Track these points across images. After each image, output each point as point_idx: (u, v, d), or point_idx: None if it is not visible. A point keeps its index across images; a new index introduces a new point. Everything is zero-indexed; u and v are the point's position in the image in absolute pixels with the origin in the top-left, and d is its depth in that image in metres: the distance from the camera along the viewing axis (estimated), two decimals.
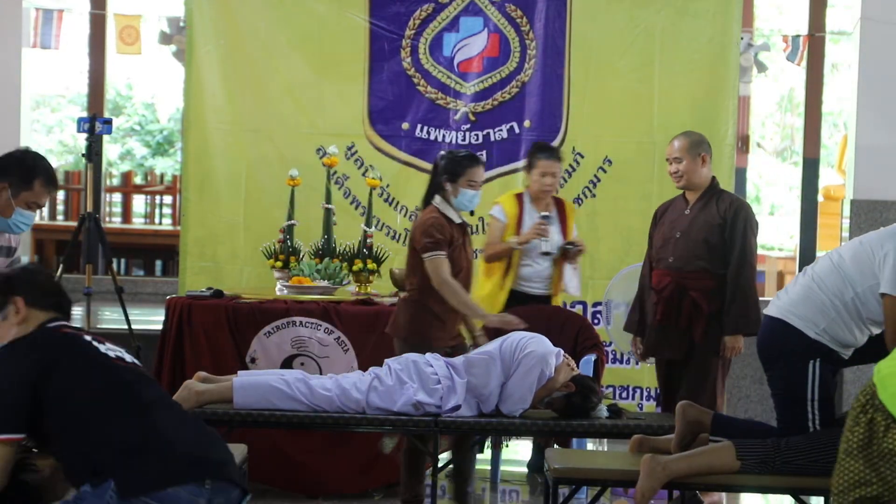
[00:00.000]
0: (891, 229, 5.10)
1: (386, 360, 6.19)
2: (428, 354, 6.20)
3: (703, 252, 6.61)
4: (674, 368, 6.71)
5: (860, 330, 5.11)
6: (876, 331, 5.10)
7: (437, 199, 6.42)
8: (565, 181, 8.17)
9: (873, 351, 5.05)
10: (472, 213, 6.62)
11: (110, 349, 4.04)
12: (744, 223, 6.59)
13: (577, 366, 6.98)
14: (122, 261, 13.88)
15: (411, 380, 6.06)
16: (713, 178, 6.76)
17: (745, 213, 6.64)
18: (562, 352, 6.26)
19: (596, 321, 8.07)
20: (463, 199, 6.41)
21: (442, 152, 6.60)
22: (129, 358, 4.09)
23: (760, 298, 6.70)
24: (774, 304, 5.29)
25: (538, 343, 6.17)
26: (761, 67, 10.11)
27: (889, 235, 5.05)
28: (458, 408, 6.05)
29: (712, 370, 6.61)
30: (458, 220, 6.44)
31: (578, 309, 8.12)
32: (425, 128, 8.25)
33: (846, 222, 8.91)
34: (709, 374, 6.60)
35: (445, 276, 6.27)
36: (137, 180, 16.01)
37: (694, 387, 6.56)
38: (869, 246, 5.08)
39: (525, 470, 7.83)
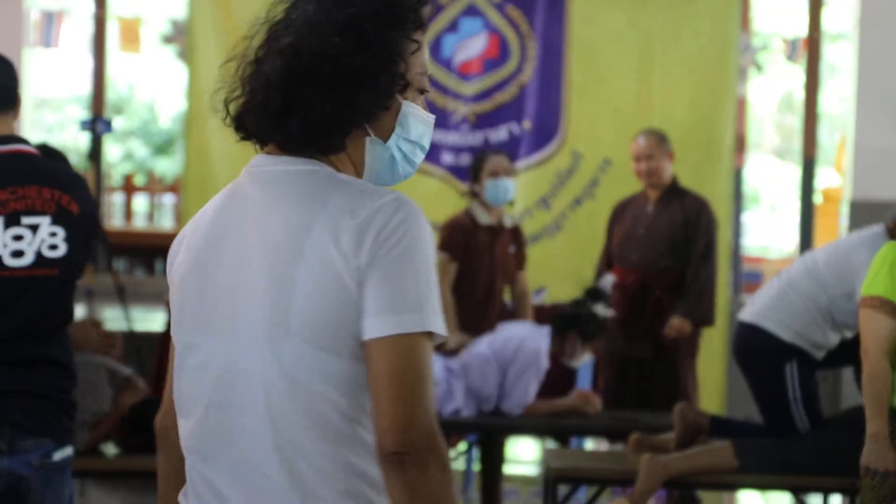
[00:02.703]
0: (866, 236, 5.06)
1: None
2: None
3: (668, 250, 6.65)
4: (629, 366, 6.69)
5: (833, 333, 5.12)
6: (849, 335, 5.11)
7: (473, 203, 6.52)
8: (565, 182, 8.20)
9: (847, 354, 5.08)
10: (511, 204, 6.77)
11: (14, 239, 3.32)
12: (707, 221, 6.67)
13: (577, 366, 7.01)
14: (123, 261, 13.90)
15: None
16: (674, 175, 6.81)
17: (708, 211, 6.72)
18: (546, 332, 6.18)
19: None
20: (492, 192, 6.50)
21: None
22: (50, 252, 3.34)
23: None
24: (747, 309, 5.32)
25: (531, 335, 6.16)
26: (760, 69, 10.13)
27: (863, 242, 5.01)
28: (457, 411, 6.07)
29: (682, 369, 6.63)
30: (486, 222, 6.48)
31: None
32: None
33: (844, 223, 8.94)
34: (679, 373, 6.63)
35: (443, 281, 6.32)
36: (138, 181, 16.04)
37: (665, 386, 6.59)
38: (845, 251, 5.07)
39: (525, 470, 7.85)
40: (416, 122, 2.09)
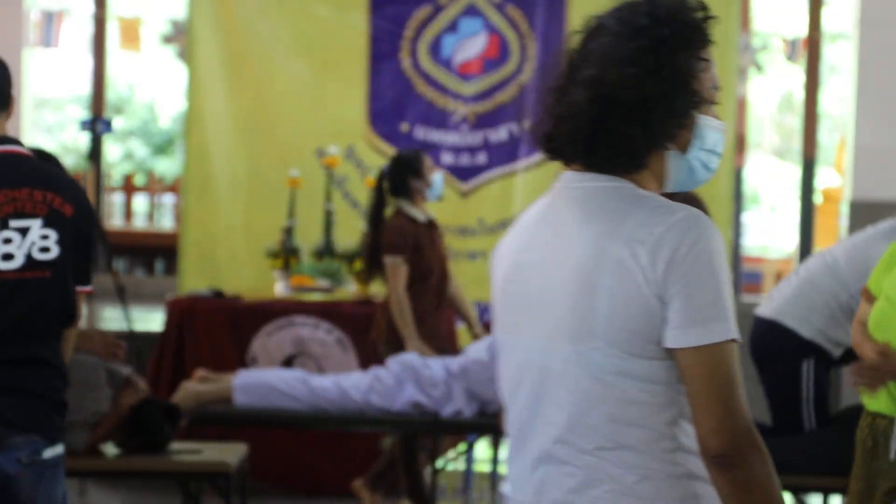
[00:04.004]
0: (883, 229, 5.07)
1: (388, 360, 6.22)
2: (427, 357, 6.22)
3: None
4: None
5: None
6: None
7: (402, 203, 6.47)
8: None
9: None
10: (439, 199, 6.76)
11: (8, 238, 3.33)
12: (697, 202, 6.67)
13: None
14: (123, 261, 13.90)
15: (409, 381, 6.08)
16: None
17: (696, 200, 6.71)
18: None
19: None
20: (436, 187, 6.53)
21: (384, 165, 6.70)
22: (41, 255, 3.35)
23: (758, 298, 6.72)
24: (767, 304, 5.30)
25: None
26: (760, 68, 10.13)
27: (881, 235, 5.01)
28: (458, 413, 6.07)
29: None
30: (424, 219, 6.49)
31: None
32: (424, 129, 8.28)
33: (844, 223, 8.94)
34: None
35: (398, 283, 6.32)
36: (138, 181, 16.04)
37: None
38: (863, 245, 5.07)
39: None
40: (710, 132, 2.26)
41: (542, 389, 2.18)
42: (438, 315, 6.58)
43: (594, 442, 2.13)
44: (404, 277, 6.35)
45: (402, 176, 6.52)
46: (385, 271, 6.42)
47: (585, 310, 2.12)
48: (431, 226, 6.58)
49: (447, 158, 8.23)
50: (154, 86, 20.43)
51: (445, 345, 6.52)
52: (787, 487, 5.27)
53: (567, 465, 2.16)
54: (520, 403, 2.23)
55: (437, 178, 6.58)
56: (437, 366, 6.11)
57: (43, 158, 4.27)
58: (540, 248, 2.22)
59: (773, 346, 5.21)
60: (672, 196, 7.36)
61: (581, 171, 2.23)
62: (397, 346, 6.33)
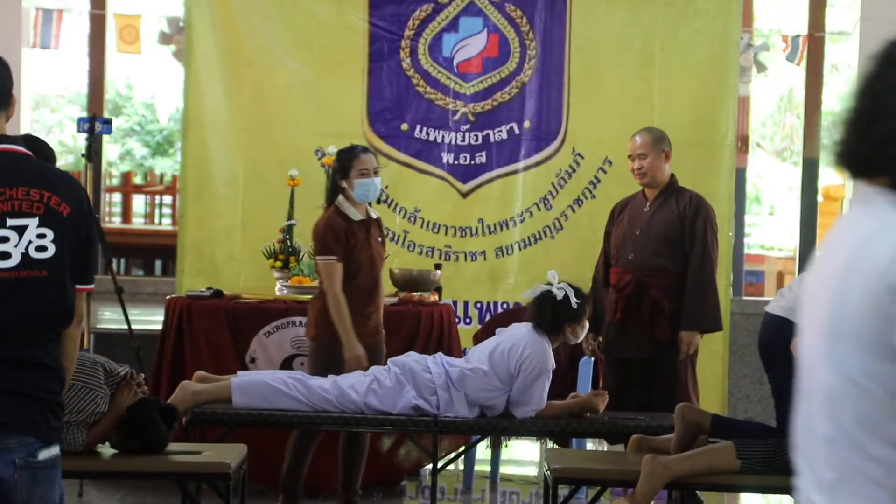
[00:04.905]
0: None
1: (389, 360, 6.19)
2: (428, 359, 6.18)
3: (663, 249, 6.63)
4: (629, 368, 6.67)
5: None
6: None
7: (340, 199, 6.42)
8: (565, 182, 8.17)
9: None
10: (379, 201, 6.74)
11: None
12: (704, 220, 6.64)
13: (578, 367, 6.99)
14: (122, 261, 13.88)
15: (409, 385, 6.05)
16: (672, 175, 6.79)
17: (704, 209, 6.68)
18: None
19: None
20: (360, 191, 6.40)
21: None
22: (38, 254, 3.34)
23: (760, 298, 6.70)
24: (776, 302, 5.27)
25: (531, 339, 6.12)
26: (761, 67, 10.12)
27: None
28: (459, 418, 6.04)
29: (681, 369, 6.60)
30: (358, 218, 6.41)
31: None
32: (424, 129, 8.25)
33: None
34: (678, 374, 6.60)
35: (335, 284, 6.27)
36: (137, 180, 16.02)
37: (665, 387, 6.56)
38: None
39: (524, 470, 7.81)
40: None
41: (809, 386, 2.32)
42: (371, 312, 6.48)
43: (840, 439, 2.23)
44: (340, 278, 6.30)
45: (334, 172, 6.48)
46: (319, 271, 6.38)
47: (837, 308, 2.23)
48: (369, 224, 6.50)
49: (447, 158, 8.21)
50: (152, 85, 20.41)
51: (372, 341, 6.43)
52: (788, 489, 5.25)
53: (816, 461, 2.28)
54: (801, 399, 2.37)
55: (365, 182, 6.39)
56: (437, 370, 6.07)
57: (33, 146, 4.26)
58: (825, 253, 2.35)
59: (782, 343, 5.18)
60: (681, 196, 7.31)
61: (877, 184, 2.33)
62: (328, 344, 6.27)
